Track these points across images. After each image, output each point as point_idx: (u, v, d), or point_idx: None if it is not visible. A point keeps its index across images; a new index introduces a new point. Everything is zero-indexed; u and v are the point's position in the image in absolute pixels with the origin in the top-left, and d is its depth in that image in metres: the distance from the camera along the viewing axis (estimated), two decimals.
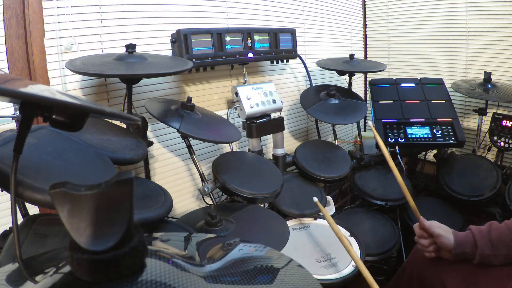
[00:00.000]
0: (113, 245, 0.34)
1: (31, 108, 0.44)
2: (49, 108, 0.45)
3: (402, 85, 1.84)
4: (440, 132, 1.63)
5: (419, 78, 1.86)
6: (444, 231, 0.89)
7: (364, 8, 2.38)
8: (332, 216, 1.40)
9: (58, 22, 1.08)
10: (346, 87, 1.84)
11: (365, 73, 2.26)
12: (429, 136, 1.63)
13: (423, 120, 1.68)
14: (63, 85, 1.13)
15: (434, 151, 1.78)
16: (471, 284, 0.85)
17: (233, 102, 1.47)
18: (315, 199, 1.09)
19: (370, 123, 1.17)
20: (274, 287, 0.43)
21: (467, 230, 0.90)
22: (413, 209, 1.00)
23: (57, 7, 1.07)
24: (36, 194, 0.56)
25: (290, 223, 1.28)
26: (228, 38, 1.39)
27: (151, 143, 1.23)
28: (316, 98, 1.66)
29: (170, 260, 0.42)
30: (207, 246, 0.55)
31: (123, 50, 1.07)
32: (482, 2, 1.83)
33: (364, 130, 2.54)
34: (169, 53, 1.35)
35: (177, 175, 1.49)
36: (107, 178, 0.33)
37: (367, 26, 2.41)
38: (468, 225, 1.38)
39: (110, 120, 1.05)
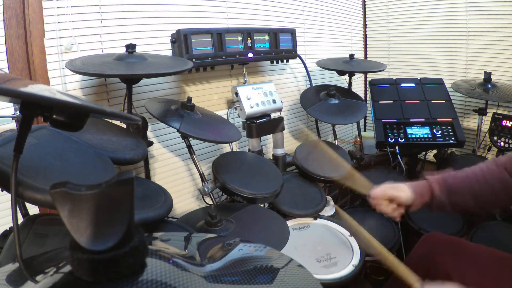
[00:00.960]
0: (113, 245, 0.34)
1: (32, 108, 0.44)
2: (50, 108, 0.45)
3: (402, 85, 1.84)
4: (440, 132, 1.63)
5: (419, 78, 1.86)
6: (400, 191, 0.89)
7: (364, 8, 2.38)
8: (332, 216, 1.40)
9: (58, 22, 1.08)
10: (346, 87, 1.84)
11: (365, 73, 2.26)
12: (429, 136, 1.63)
13: (423, 120, 1.68)
14: (63, 85, 1.13)
15: (434, 151, 1.78)
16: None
17: (233, 102, 1.47)
18: None
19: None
20: (274, 287, 0.43)
21: (420, 182, 0.91)
22: (360, 186, 1.02)
23: (57, 7, 1.07)
24: (37, 194, 0.56)
25: (290, 223, 1.28)
26: (228, 38, 1.39)
27: (151, 143, 1.23)
28: (316, 98, 1.66)
29: (171, 260, 0.42)
30: (207, 246, 0.55)
31: (123, 50, 1.07)
32: (482, 2, 1.83)
33: (364, 130, 2.54)
34: (169, 53, 1.35)
35: (177, 175, 1.49)
36: (107, 178, 0.33)
37: (367, 26, 2.41)
38: (465, 222, 1.37)
39: (110, 120, 1.05)
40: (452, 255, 0.91)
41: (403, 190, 0.89)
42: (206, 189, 1.18)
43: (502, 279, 0.81)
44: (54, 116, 0.45)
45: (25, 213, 0.92)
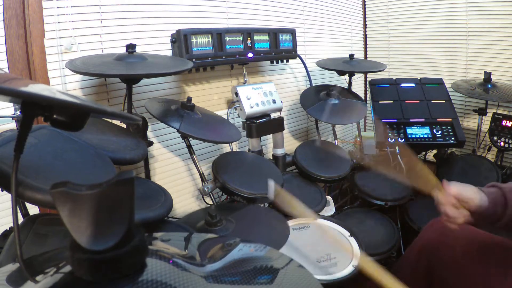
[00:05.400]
0: (113, 244, 0.34)
1: (32, 108, 0.44)
2: (50, 108, 0.45)
3: (402, 85, 1.84)
4: (440, 132, 1.63)
5: (419, 78, 1.86)
6: (474, 192, 0.76)
7: (364, 8, 2.38)
8: (332, 216, 1.40)
9: (58, 22, 1.08)
10: (346, 87, 1.84)
11: (365, 73, 2.26)
12: (429, 136, 1.63)
13: (423, 120, 1.68)
14: (63, 85, 1.13)
15: (434, 151, 1.78)
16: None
17: (233, 102, 1.47)
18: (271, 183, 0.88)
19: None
20: (274, 287, 0.43)
21: (491, 188, 0.79)
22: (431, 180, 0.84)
23: (57, 7, 1.07)
24: (37, 194, 0.56)
25: (290, 223, 1.28)
26: (228, 38, 1.39)
27: (151, 143, 1.23)
28: (316, 98, 1.66)
29: (171, 260, 0.42)
30: (207, 246, 0.55)
31: (123, 50, 1.07)
32: (482, 2, 1.83)
33: (364, 130, 2.54)
34: (169, 53, 1.35)
35: (177, 175, 1.49)
36: (107, 178, 0.33)
37: (367, 26, 2.41)
38: None
39: (110, 120, 1.05)
40: (460, 242, 0.89)
41: (475, 193, 0.76)
42: (206, 189, 1.18)
43: (511, 269, 0.80)
44: (55, 116, 0.45)
45: (25, 213, 0.92)
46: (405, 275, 0.99)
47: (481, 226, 0.82)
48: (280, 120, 1.53)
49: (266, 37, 1.53)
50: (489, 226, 0.79)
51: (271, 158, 1.62)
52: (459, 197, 0.77)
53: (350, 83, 1.84)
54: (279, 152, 1.58)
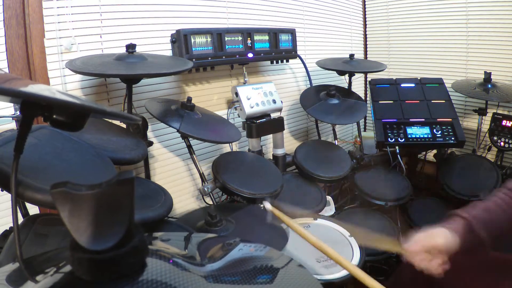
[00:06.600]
0: (113, 244, 0.34)
1: (32, 108, 0.44)
2: (50, 108, 0.45)
3: (402, 85, 1.84)
4: (440, 132, 1.63)
5: (419, 78, 1.86)
6: (436, 237, 0.76)
7: (364, 8, 2.38)
8: (332, 216, 1.40)
9: (58, 22, 1.08)
10: (346, 87, 1.84)
11: (365, 73, 2.26)
12: (429, 136, 1.63)
13: (423, 120, 1.68)
14: (63, 85, 1.13)
15: (434, 151, 1.78)
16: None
17: (233, 102, 1.47)
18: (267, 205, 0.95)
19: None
20: (274, 286, 0.43)
21: (455, 218, 0.79)
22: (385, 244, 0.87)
23: (57, 7, 1.07)
24: (37, 194, 0.56)
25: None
26: (228, 38, 1.39)
27: (151, 143, 1.23)
28: (316, 98, 1.66)
29: (171, 260, 0.42)
30: (207, 245, 0.55)
31: (123, 50, 1.07)
32: (482, 2, 1.83)
33: (364, 130, 2.54)
34: (169, 53, 1.35)
35: (177, 175, 1.49)
36: (107, 178, 0.33)
37: (367, 26, 2.41)
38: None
39: (110, 120, 1.05)
40: (456, 256, 0.89)
41: (439, 235, 0.76)
42: (206, 189, 1.18)
43: (503, 284, 0.80)
44: (54, 116, 0.45)
45: (25, 213, 0.92)
46: (406, 282, 0.99)
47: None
48: (280, 120, 1.53)
49: (266, 37, 1.53)
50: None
51: (271, 158, 1.62)
52: (426, 248, 0.76)
53: (350, 83, 1.84)
54: (279, 152, 1.58)
